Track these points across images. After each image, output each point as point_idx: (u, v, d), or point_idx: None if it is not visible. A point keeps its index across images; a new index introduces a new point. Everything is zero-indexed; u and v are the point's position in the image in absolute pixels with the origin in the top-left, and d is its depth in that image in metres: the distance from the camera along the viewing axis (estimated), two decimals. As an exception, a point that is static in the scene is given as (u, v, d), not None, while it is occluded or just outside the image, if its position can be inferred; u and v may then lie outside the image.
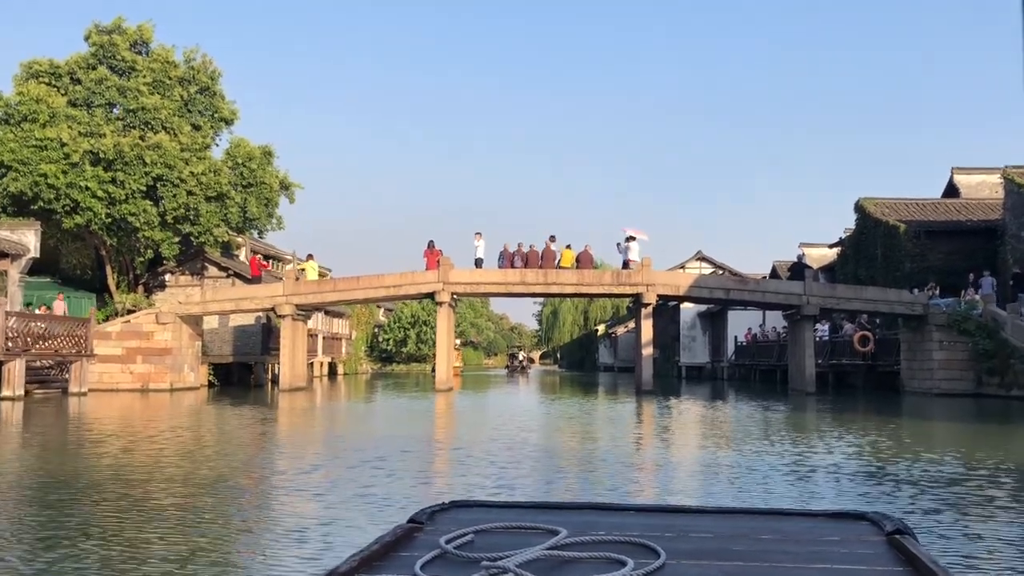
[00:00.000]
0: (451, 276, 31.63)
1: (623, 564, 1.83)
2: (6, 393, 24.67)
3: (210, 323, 38.57)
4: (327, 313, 57.98)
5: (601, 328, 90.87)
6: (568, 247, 32.65)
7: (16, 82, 34.19)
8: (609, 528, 2.21)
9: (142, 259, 35.01)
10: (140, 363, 31.84)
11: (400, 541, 2.11)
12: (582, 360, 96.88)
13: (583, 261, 32.21)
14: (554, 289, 31.86)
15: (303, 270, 34.04)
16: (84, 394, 28.03)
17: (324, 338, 57.54)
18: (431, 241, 33.00)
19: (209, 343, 38.54)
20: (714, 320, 55.85)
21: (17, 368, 24.75)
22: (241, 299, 32.35)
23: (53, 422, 19.80)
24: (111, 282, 36.36)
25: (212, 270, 39.50)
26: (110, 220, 32.69)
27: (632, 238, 32.67)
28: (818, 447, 13.70)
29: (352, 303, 34.49)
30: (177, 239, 35.29)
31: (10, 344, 24.98)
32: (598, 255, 33.11)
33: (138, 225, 33.12)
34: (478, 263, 32.88)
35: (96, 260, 37.31)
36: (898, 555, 1.97)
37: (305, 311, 33.08)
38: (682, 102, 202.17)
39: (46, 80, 34.41)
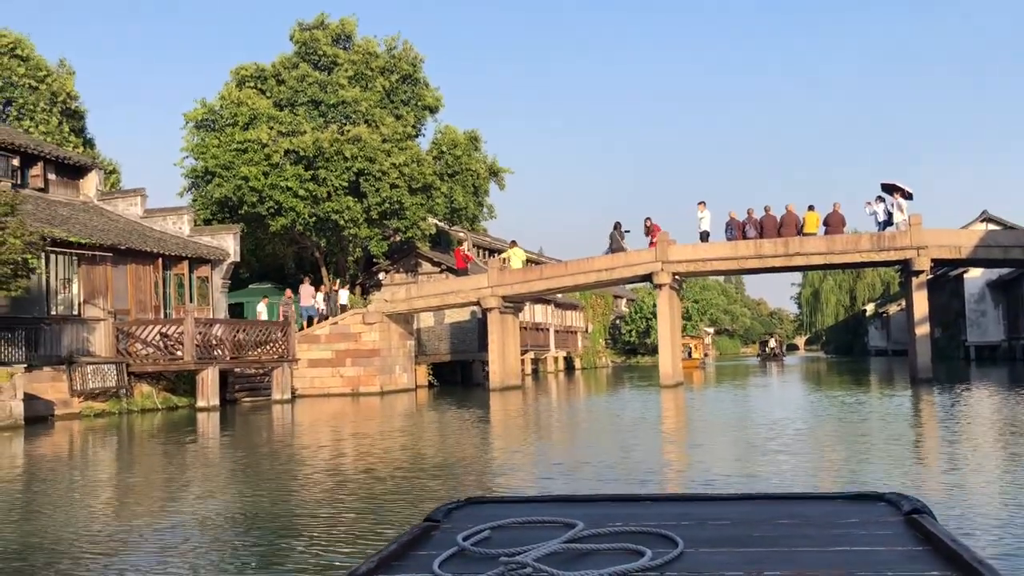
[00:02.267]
0: (671, 253, 27.35)
1: (641, 554, 1.81)
2: (200, 403, 23.69)
3: (426, 321, 36.85)
4: (558, 306, 55.32)
5: (870, 308, 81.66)
6: (811, 208, 27.24)
7: (226, 89, 34.14)
8: (626, 519, 2.18)
9: (352, 258, 33.75)
10: (349, 366, 30.40)
11: (418, 540, 2.10)
12: (850, 344, 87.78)
13: (832, 224, 26.66)
14: (797, 261, 26.62)
15: (507, 259, 31.14)
16: (288, 401, 26.79)
17: (557, 332, 54.93)
18: (647, 219, 28.89)
19: (427, 342, 36.82)
20: (1009, 289, 46.79)
21: (210, 377, 23.69)
22: (446, 294, 30.00)
23: (237, 435, 18.06)
24: (327, 285, 35.51)
25: (425, 266, 37.76)
26: (314, 220, 31.58)
27: (894, 189, 26.63)
28: None
29: (561, 291, 31.11)
30: (384, 236, 33.74)
31: (203, 352, 24.01)
32: (850, 224, 27.23)
33: (343, 223, 31.80)
34: (703, 237, 28.32)
35: (312, 263, 36.70)
36: (917, 535, 1.96)
37: (513, 303, 30.15)
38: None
39: (252, 85, 34.08)
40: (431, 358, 36.61)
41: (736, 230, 27.42)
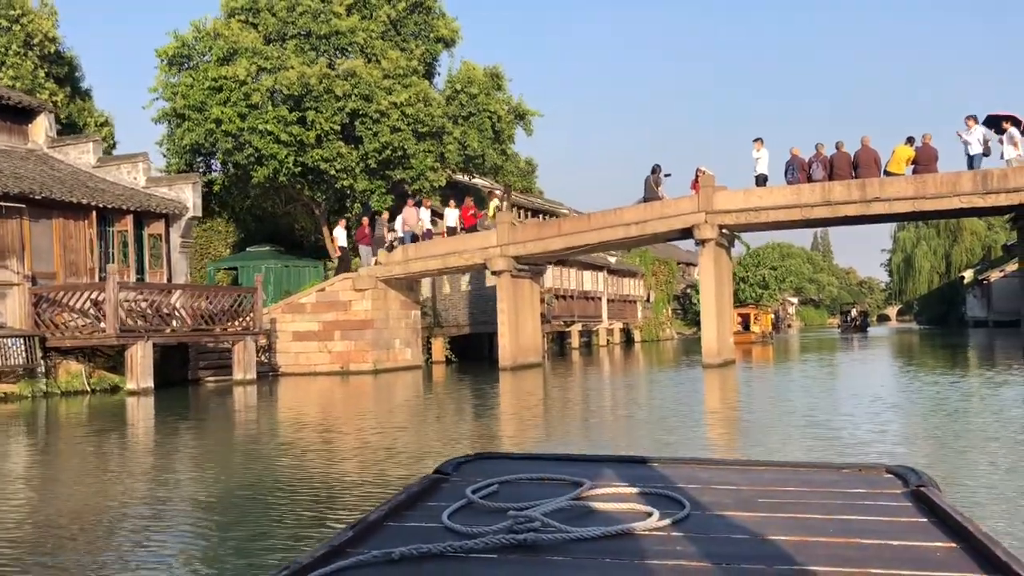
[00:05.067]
0: (716, 202, 21.98)
1: (649, 514, 1.83)
2: (130, 386, 19.57)
3: (443, 288, 32.22)
4: (612, 272, 50.07)
5: (968, 274, 73.83)
6: (909, 141, 21.41)
7: (215, 24, 29.80)
8: (633, 480, 2.19)
9: (349, 215, 29.25)
10: (338, 340, 26.01)
11: (427, 491, 2.12)
12: (945, 314, 79.85)
13: (922, 161, 20.85)
14: (877, 209, 20.90)
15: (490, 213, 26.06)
16: (252, 382, 22.54)
17: (611, 301, 49.73)
18: (699, 169, 23.47)
19: (443, 312, 32.20)
20: None
21: (140, 353, 19.51)
22: (447, 255, 25.23)
23: (139, 433, 13.73)
24: (329, 245, 31.13)
25: (440, 224, 32.98)
26: (300, 169, 27.11)
27: (1003, 120, 20.70)
28: None
29: (584, 250, 25.99)
30: (389, 189, 29.10)
31: (130, 323, 19.84)
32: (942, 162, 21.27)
33: (334, 173, 27.25)
34: (760, 181, 22.84)
35: (315, 222, 32.35)
36: (922, 507, 1.95)
37: (529, 264, 25.19)
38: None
39: (243, 18, 29.66)
40: (448, 330, 32.00)
41: (799, 171, 21.86)
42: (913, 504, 1.98)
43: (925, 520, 1.84)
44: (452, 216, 26.68)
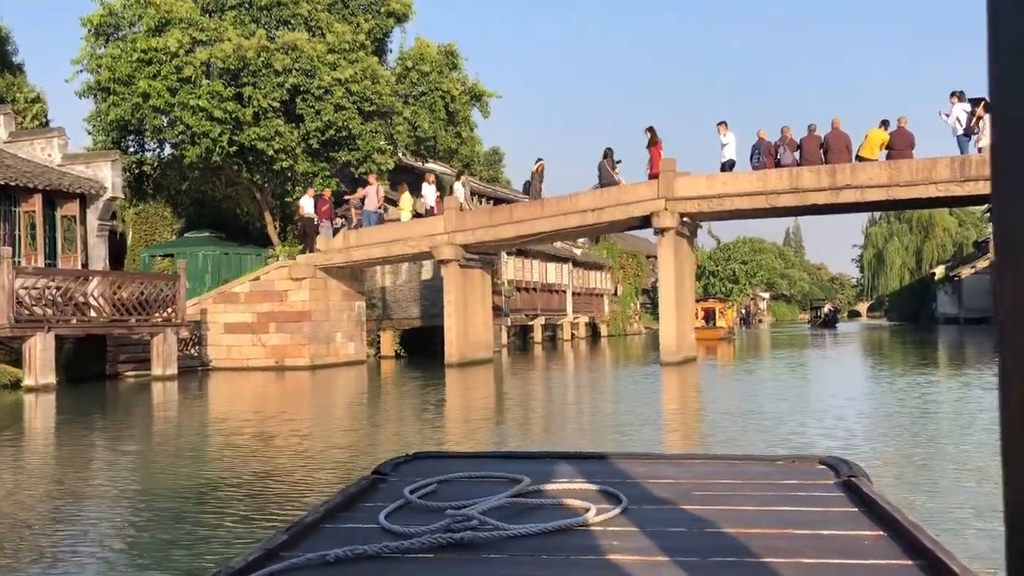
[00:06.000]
0: (677, 188, 20.42)
1: (586, 510, 1.86)
2: (28, 381, 17.69)
3: (394, 277, 30.49)
4: (578, 264, 48.54)
5: (939, 271, 73.17)
6: (883, 124, 19.95)
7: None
8: (571, 476, 2.22)
9: (289, 199, 27.40)
10: (273, 332, 24.22)
11: (365, 492, 2.11)
12: (916, 311, 79.21)
13: (897, 146, 19.39)
14: (847, 197, 19.42)
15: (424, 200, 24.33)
16: (172, 378, 20.72)
17: (577, 294, 48.22)
18: (650, 129, 21.97)
19: (393, 303, 30.46)
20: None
21: (39, 346, 17.63)
22: (391, 242, 23.51)
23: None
24: (272, 232, 29.30)
25: (392, 211, 31.23)
26: (235, 148, 25.23)
27: (979, 102, 19.29)
28: None
29: (537, 239, 24.36)
30: (333, 172, 27.30)
31: (38, 311, 17.95)
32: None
33: (272, 153, 25.41)
34: (727, 167, 21.31)
35: (258, 207, 30.44)
36: (853, 497, 2.01)
37: (479, 253, 23.53)
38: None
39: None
40: (399, 322, 30.27)
41: (765, 155, 20.35)
42: (844, 494, 2.04)
43: (855, 510, 1.90)
44: (430, 194, 24.60)
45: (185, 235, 30.46)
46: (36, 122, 30.80)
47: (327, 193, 25.07)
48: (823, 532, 1.72)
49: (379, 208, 25.14)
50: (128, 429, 13.35)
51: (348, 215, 26.12)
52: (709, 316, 43.22)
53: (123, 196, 22.80)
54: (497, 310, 33.46)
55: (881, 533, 1.70)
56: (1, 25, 33.05)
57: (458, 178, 24.62)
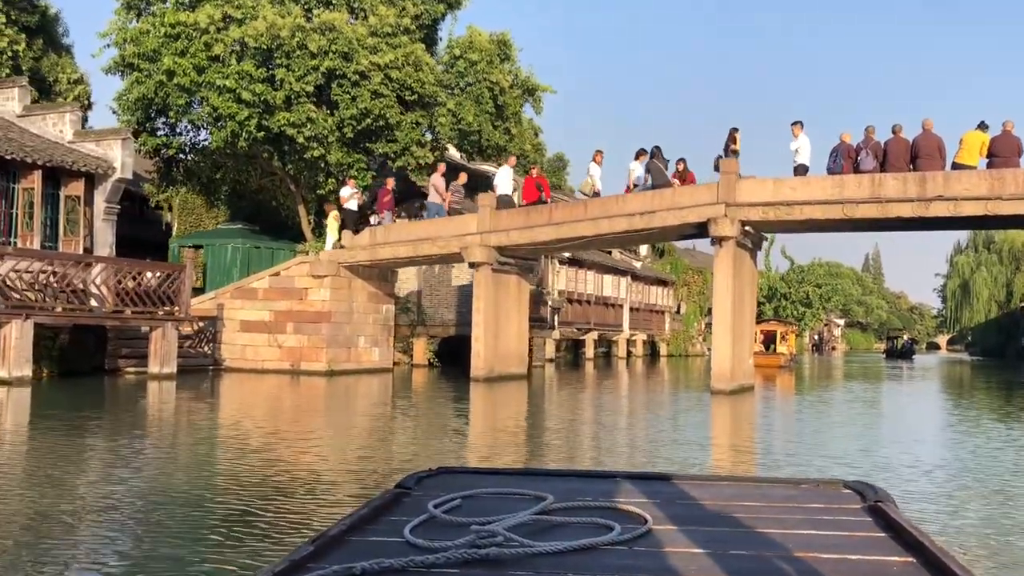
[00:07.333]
0: (739, 192, 17.90)
1: (611, 528, 1.82)
2: (0, 374, 16.05)
3: (428, 280, 28.48)
4: (636, 278, 45.93)
5: (1031, 304, 68.18)
6: (982, 126, 17.13)
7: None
8: (596, 495, 2.18)
9: (322, 191, 25.60)
10: (291, 333, 22.39)
11: (389, 505, 2.09)
12: (1002, 346, 74.09)
13: (1001, 151, 16.54)
14: (938, 210, 16.63)
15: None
16: (170, 377, 18.98)
17: (635, 310, 45.62)
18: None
19: (429, 308, 28.44)
20: None
21: (14, 334, 15.98)
22: (420, 240, 21.44)
23: None
24: (305, 225, 27.56)
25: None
26: (263, 134, 23.52)
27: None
28: None
29: (577, 244, 21.91)
30: (370, 165, 25.43)
31: (29, 296, 16.34)
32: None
33: (303, 141, 23.63)
34: (799, 173, 18.70)
35: (292, 200, 28.74)
36: (879, 522, 1.97)
37: (516, 258, 21.31)
38: None
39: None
40: (433, 329, 28.22)
41: (844, 158, 17.68)
42: (871, 519, 2.02)
43: (882, 535, 1.88)
44: (505, 179, 21.05)
45: (218, 227, 28.99)
46: (77, 104, 29.77)
47: (390, 182, 22.93)
48: (850, 557, 1.70)
49: (451, 202, 22.45)
50: (93, 435, 11.45)
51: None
52: (769, 340, 39.58)
53: (152, 181, 21.16)
54: (541, 322, 31.19)
55: (910, 559, 1.67)
56: (50, 6, 32.20)
57: (594, 159, 21.70)
